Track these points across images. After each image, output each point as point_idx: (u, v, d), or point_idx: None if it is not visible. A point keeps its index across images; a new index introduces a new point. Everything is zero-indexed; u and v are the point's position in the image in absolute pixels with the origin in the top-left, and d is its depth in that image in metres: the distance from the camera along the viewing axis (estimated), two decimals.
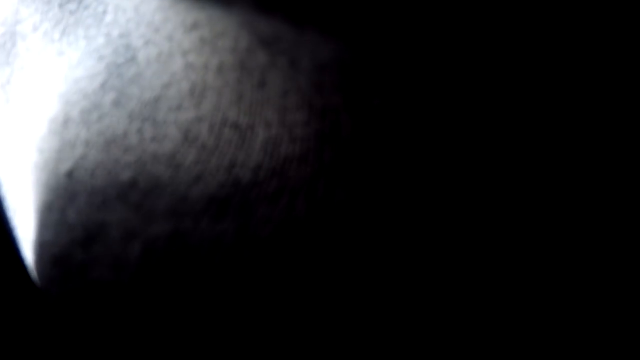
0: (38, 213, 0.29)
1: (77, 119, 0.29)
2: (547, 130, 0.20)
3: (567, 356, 0.18)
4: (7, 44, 0.38)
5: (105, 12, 0.33)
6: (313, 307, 0.20)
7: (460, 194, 0.21)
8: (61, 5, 0.35)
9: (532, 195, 0.20)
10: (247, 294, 0.20)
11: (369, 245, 0.20)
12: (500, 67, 0.19)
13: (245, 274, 0.21)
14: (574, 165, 0.20)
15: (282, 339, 0.20)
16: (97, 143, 0.27)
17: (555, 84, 0.19)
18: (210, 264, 0.21)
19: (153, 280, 0.22)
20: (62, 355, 0.27)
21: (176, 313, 0.21)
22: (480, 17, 0.19)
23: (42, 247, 0.28)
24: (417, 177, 0.22)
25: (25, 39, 0.36)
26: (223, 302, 0.20)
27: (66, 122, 0.29)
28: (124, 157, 0.26)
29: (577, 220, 0.19)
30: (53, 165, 0.29)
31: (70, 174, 0.27)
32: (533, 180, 0.20)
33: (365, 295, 0.20)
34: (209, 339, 0.21)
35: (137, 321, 0.22)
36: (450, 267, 0.20)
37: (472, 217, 0.20)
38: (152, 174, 0.25)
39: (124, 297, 0.22)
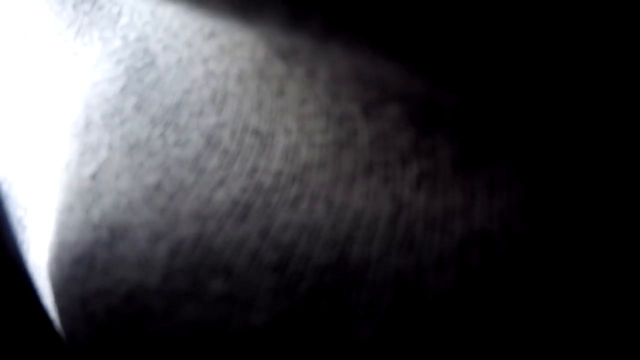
0: (59, 213, 0.30)
1: (99, 123, 0.30)
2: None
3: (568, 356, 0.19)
4: (20, 43, 0.38)
5: (120, 14, 0.33)
6: (333, 311, 0.22)
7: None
8: (75, 6, 0.35)
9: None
10: (268, 295, 0.22)
11: (388, 248, 0.22)
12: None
13: (266, 275, 0.22)
14: (574, 165, 0.21)
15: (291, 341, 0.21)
16: (121, 147, 0.28)
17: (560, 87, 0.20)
18: (234, 265, 0.22)
19: (180, 280, 0.23)
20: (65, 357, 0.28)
21: (200, 313, 0.22)
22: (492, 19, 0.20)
23: (61, 246, 0.29)
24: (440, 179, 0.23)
25: (39, 38, 0.37)
26: (245, 302, 0.22)
27: (87, 125, 0.30)
28: (148, 161, 0.27)
29: (578, 220, 0.20)
30: (75, 167, 0.30)
31: (94, 176, 0.28)
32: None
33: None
34: (229, 339, 0.22)
35: (162, 322, 0.24)
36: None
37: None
38: (176, 178, 0.26)
39: (149, 295, 0.24)
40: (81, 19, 0.36)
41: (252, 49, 0.27)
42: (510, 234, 0.21)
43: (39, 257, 0.32)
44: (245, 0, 0.26)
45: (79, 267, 0.28)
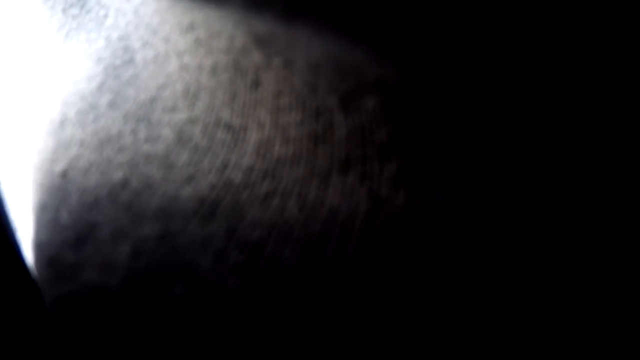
0: (34, 213, 0.29)
1: (73, 120, 0.29)
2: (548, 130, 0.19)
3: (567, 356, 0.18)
4: (15, 47, 0.38)
5: (106, 16, 0.33)
6: (304, 312, 0.20)
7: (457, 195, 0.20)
8: (64, 10, 0.35)
9: (533, 195, 0.19)
10: (235, 298, 0.20)
11: (360, 245, 0.20)
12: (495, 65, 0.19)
13: (231, 277, 0.20)
14: (574, 165, 0.19)
15: (272, 339, 0.20)
16: (91, 143, 0.27)
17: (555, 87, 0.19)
18: (198, 266, 0.21)
19: (141, 283, 0.21)
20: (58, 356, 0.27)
21: (164, 317, 0.21)
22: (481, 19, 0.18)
23: (38, 247, 0.28)
24: (413, 173, 0.21)
25: (32, 42, 0.37)
26: (210, 305, 0.20)
27: (63, 122, 0.29)
28: (117, 157, 0.26)
29: (578, 221, 0.19)
30: (48, 165, 0.28)
31: (64, 174, 0.27)
32: (534, 180, 0.19)
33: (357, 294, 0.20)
34: (198, 340, 0.21)
35: (126, 326, 0.22)
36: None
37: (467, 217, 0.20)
38: (144, 174, 0.24)
39: (112, 299, 0.22)
40: (70, 22, 0.36)
41: (229, 38, 0.25)
42: (491, 229, 0.19)
43: (28, 257, 0.31)
44: None
45: (49, 270, 0.26)
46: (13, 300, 0.30)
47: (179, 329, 0.20)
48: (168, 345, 0.21)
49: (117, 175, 0.25)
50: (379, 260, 0.19)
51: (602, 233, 0.19)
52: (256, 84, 0.25)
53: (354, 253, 0.19)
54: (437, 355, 0.18)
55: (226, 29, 0.26)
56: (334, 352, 0.19)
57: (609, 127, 0.19)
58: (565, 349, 0.18)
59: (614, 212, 0.19)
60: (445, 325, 0.19)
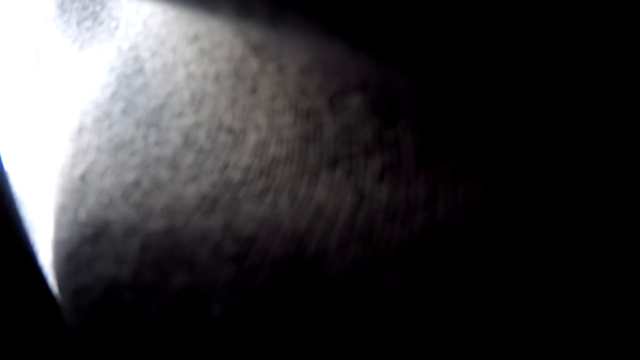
0: (55, 214, 0.31)
1: (90, 127, 0.31)
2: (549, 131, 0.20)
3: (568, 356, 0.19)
4: (32, 61, 0.41)
5: (117, 27, 0.35)
6: (294, 303, 0.22)
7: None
8: (78, 23, 0.37)
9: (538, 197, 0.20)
10: (226, 287, 0.22)
11: (342, 237, 0.21)
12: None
13: (225, 267, 0.22)
14: (574, 165, 0.20)
15: (265, 334, 0.21)
16: (107, 148, 0.29)
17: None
18: (197, 258, 0.23)
19: (148, 274, 0.23)
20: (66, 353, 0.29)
21: (166, 304, 0.23)
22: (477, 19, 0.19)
23: (58, 245, 0.30)
24: (399, 171, 0.23)
25: (48, 55, 0.39)
26: (205, 292, 0.22)
27: (80, 130, 0.32)
28: (130, 160, 0.28)
29: (578, 220, 0.20)
30: (68, 169, 0.31)
31: (82, 177, 0.30)
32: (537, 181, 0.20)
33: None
34: (201, 333, 0.22)
35: (133, 312, 0.24)
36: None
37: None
38: (153, 175, 0.27)
39: (121, 290, 0.24)
40: (84, 34, 0.38)
41: (230, 48, 0.27)
42: (473, 225, 0.21)
43: (45, 257, 0.33)
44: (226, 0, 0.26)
45: (69, 263, 0.29)
46: (24, 299, 0.32)
47: (178, 314, 0.22)
48: (167, 328, 0.23)
49: (130, 176, 0.27)
50: (359, 251, 0.21)
51: (602, 233, 0.20)
52: (254, 89, 0.26)
53: (336, 245, 0.21)
54: (419, 346, 0.20)
55: (227, 39, 0.28)
56: (311, 334, 0.21)
57: (610, 127, 0.20)
58: (565, 349, 0.19)
59: (614, 212, 0.20)
60: (421, 316, 0.20)
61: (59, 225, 0.31)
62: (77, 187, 0.30)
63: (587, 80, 0.20)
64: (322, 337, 0.20)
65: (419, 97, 0.22)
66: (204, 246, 0.23)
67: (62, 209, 0.31)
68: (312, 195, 0.23)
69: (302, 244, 0.22)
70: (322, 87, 0.24)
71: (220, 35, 0.28)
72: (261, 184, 0.24)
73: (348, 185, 0.23)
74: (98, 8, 0.35)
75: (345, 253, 0.21)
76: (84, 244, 0.28)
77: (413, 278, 0.20)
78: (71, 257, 0.29)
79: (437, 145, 0.22)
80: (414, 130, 0.22)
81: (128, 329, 0.24)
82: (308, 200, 0.23)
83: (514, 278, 0.20)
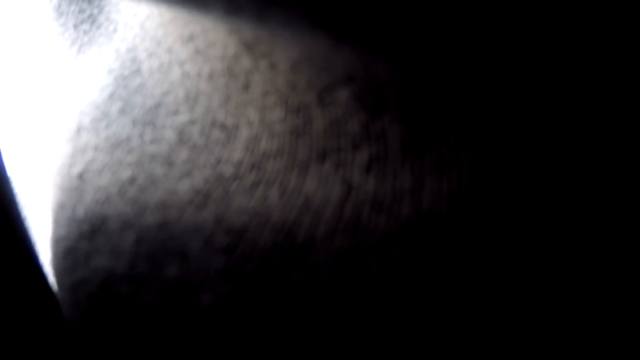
0: (53, 212, 0.32)
1: (88, 127, 0.32)
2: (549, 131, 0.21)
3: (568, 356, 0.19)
4: (30, 63, 0.42)
5: (115, 30, 0.36)
6: (283, 295, 0.22)
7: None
8: (76, 26, 0.38)
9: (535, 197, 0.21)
10: (216, 276, 0.22)
11: (329, 228, 0.22)
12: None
13: (216, 258, 0.23)
14: (574, 165, 0.21)
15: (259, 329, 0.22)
16: (104, 147, 0.30)
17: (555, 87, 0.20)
18: (190, 249, 0.23)
19: (143, 266, 0.24)
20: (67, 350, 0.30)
21: (159, 295, 0.23)
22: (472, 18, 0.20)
23: (56, 241, 0.31)
24: (386, 167, 0.23)
25: (46, 58, 0.40)
26: (196, 282, 0.22)
27: (79, 130, 0.32)
28: (126, 158, 0.29)
29: (578, 220, 0.20)
30: (67, 168, 0.32)
31: (80, 176, 0.30)
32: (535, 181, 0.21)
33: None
34: (195, 327, 0.23)
35: (129, 307, 0.25)
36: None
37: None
38: (149, 172, 0.27)
39: (117, 283, 0.25)
40: (82, 37, 0.39)
41: (223, 47, 0.28)
42: (457, 213, 0.21)
43: (44, 254, 0.34)
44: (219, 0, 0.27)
45: (67, 259, 0.29)
46: (24, 296, 0.33)
47: (171, 303, 0.23)
48: (161, 316, 0.23)
49: (126, 174, 0.28)
50: (345, 240, 0.21)
51: (602, 233, 0.20)
52: (246, 86, 0.27)
53: (323, 235, 0.22)
54: (406, 340, 0.20)
55: (221, 38, 0.28)
56: (299, 320, 0.21)
57: (592, 115, 0.21)
58: (565, 349, 0.19)
59: (614, 213, 0.20)
60: (405, 301, 0.20)
61: (57, 223, 0.31)
62: (75, 186, 0.31)
63: (568, 68, 0.20)
64: (310, 322, 0.21)
65: (404, 88, 0.23)
66: (197, 238, 0.23)
67: (60, 207, 0.32)
68: (301, 187, 0.24)
69: (291, 234, 0.22)
70: (311, 82, 0.25)
71: (214, 34, 0.29)
72: (252, 177, 0.25)
73: (336, 178, 0.23)
74: (95, 11, 0.36)
75: (332, 242, 0.22)
76: (82, 240, 0.29)
77: (398, 265, 0.21)
78: (69, 253, 0.29)
79: (423, 136, 0.23)
80: (399, 121, 0.23)
81: (124, 318, 0.25)
82: (297, 193, 0.24)
83: (497, 265, 0.20)
